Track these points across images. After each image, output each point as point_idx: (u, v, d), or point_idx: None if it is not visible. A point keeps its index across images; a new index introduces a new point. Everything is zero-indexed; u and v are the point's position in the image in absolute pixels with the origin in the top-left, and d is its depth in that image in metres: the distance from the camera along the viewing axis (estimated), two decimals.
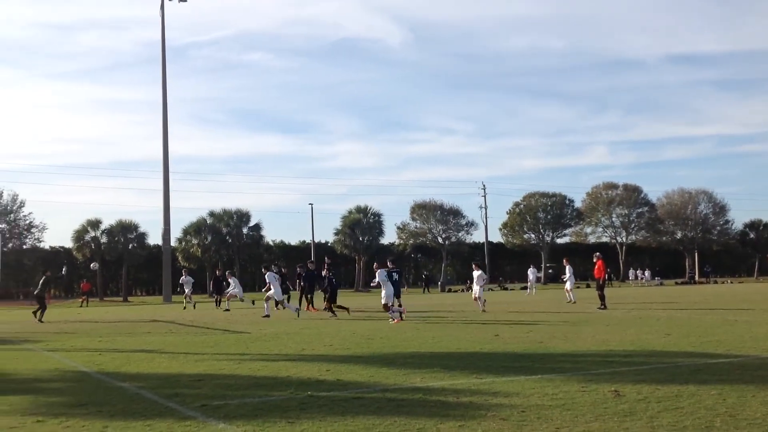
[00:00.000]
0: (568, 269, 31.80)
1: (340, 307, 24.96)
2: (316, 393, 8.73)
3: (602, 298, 25.74)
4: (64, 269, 26.55)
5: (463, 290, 60.38)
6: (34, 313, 26.70)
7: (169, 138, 58.16)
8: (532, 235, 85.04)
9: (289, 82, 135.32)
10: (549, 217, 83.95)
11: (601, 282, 26.50)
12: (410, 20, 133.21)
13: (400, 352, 13.20)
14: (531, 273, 46.60)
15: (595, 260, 27.08)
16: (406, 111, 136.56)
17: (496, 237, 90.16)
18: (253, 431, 6.88)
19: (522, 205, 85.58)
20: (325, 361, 12.04)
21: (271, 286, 25.81)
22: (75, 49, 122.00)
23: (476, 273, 26.40)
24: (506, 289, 64.05)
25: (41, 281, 27.49)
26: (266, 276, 26.21)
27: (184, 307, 35.77)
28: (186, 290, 38.37)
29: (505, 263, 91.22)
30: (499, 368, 10.65)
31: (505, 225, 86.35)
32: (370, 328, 18.97)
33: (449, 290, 65.13)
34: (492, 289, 62.51)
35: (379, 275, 22.02)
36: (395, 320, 20.93)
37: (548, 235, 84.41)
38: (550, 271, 79.66)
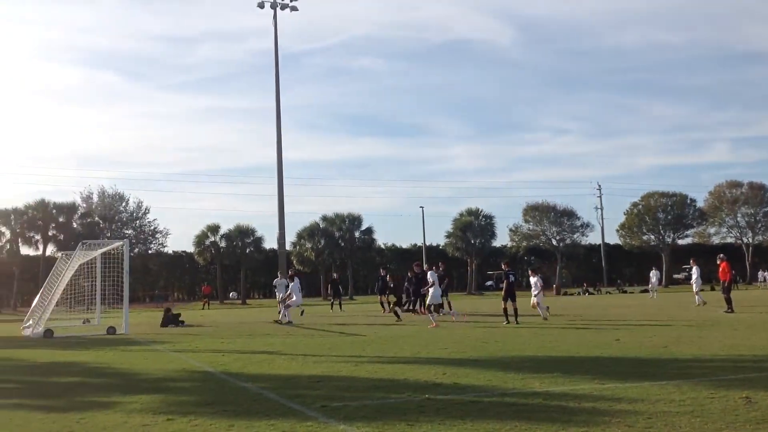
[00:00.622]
0: (695, 270, 30.49)
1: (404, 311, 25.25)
2: (434, 396, 8.72)
3: (729, 301, 24.78)
4: (182, 320, 27.82)
5: (579, 293, 59.11)
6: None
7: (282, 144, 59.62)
8: (652, 237, 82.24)
9: (398, 85, 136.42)
10: (669, 217, 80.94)
11: (726, 284, 25.57)
12: (520, 19, 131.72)
13: (517, 355, 13.04)
14: (653, 275, 45.04)
15: (719, 262, 26.12)
16: (517, 111, 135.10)
17: (612, 238, 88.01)
18: None
19: (640, 206, 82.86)
20: (441, 364, 12.02)
21: (293, 294, 26.32)
22: (193, 60, 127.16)
23: (532, 279, 24.36)
24: (625, 292, 62.29)
25: (163, 318, 27.76)
26: (290, 285, 26.71)
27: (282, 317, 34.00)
28: (279, 294, 36.40)
29: (623, 265, 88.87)
30: (622, 373, 10.34)
31: (622, 226, 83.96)
32: (484, 332, 18.84)
33: (565, 293, 63.82)
34: (610, 293, 61.03)
35: (431, 276, 22.33)
36: (434, 324, 20.94)
37: (669, 237, 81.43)
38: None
